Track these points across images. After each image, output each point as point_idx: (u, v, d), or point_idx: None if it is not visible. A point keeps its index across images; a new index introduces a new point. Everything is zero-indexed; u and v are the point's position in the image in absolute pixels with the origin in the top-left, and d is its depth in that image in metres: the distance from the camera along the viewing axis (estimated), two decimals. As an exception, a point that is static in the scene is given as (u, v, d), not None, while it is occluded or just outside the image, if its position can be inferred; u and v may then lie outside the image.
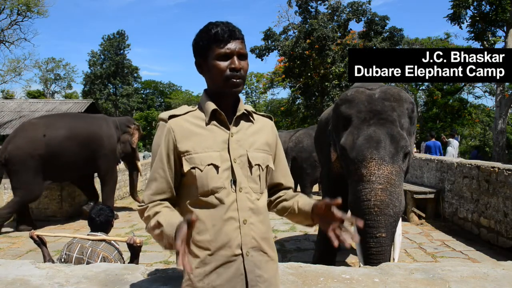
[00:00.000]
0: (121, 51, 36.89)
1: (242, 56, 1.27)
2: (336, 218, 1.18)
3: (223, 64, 1.24)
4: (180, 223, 1.05)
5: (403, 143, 2.94)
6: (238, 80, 1.26)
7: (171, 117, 1.27)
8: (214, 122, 1.28)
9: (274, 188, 1.45)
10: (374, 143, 2.90)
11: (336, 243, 1.17)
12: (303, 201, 1.37)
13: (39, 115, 16.77)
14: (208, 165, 1.23)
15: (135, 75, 39.07)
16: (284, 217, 1.45)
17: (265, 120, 1.43)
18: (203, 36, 1.27)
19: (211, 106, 1.28)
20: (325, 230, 1.21)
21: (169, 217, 1.18)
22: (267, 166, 1.35)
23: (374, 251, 2.78)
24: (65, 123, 7.04)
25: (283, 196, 1.43)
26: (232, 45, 1.25)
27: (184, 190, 1.29)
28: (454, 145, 10.31)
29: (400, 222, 2.97)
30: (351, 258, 4.95)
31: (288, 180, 1.47)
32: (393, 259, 2.95)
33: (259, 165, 1.31)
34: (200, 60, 1.31)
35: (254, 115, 1.38)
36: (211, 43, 1.25)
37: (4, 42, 20.40)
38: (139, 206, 1.28)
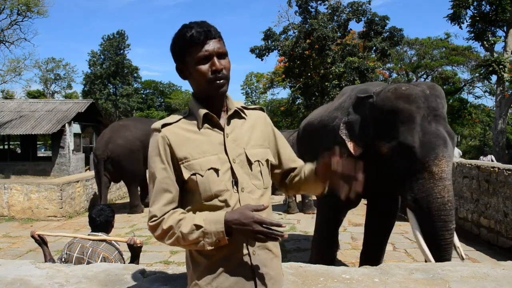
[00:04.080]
0: (121, 51, 36.71)
1: (222, 55, 1.24)
2: (341, 168, 1.20)
3: (204, 67, 1.22)
4: (251, 213, 1.13)
5: (456, 140, 3.11)
6: (221, 81, 1.24)
7: (164, 125, 1.25)
8: (207, 125, 1.27)
9: (287, 172, 1.48)
10: (442, 141, 2.97)
11: (353, 194, 1.21)
12: (308, 167, 1.39)
13: (39, 115, 16.84)
14: (208, 169, 1.22)
15: (135, 75, 38.85)
16: (299, 194, 1.47)
17: (257, 113, 1.41)
18: (179, 41, 1.25)
19: (202, 110, 1.26)
20: (336, 186, 1.23)
21: (204, 216, 1.18)
22: (267, 160, 1.35)
23: (449, 241, 2.92)
24: (142, 125, 8.63)
25: (294, 173, 1.46)
26: (210, 46, 1.22)
27: (186, 197, 1.27)
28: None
29: None
30: (351, 258, 4.95)
31: (298, 163, 1.49)
32: (458, 247, 3.03)
33: (258, 161, 1.31)
34: (180, 65, 1.29)
35: (246, 110, 1.37)
36: (188, 47, 1.22)
37: (4, 42, 20.37)
38: (151, 222, 1.21)
